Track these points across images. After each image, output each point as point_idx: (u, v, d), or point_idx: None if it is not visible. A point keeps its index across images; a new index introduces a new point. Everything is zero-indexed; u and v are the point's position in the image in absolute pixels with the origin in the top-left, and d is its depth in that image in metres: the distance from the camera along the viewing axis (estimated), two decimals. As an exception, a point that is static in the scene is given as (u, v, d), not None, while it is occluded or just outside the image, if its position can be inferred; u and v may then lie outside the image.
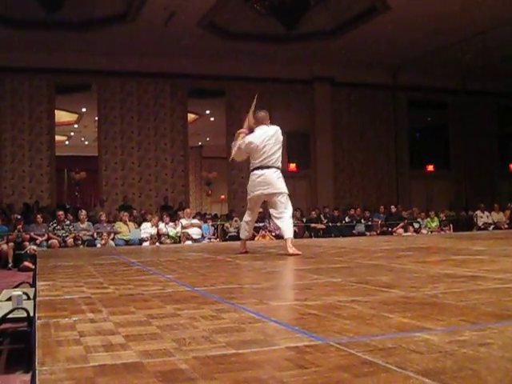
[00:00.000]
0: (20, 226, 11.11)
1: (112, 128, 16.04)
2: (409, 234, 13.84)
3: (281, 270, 4.05)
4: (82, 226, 11.74)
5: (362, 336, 1.53)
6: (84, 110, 19.67)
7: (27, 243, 10.75)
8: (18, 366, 3.10)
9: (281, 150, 5.42)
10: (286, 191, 5.35)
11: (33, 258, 8.17)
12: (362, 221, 14.79)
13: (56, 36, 13.71)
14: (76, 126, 21.91)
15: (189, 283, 2.94)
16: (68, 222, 11.66)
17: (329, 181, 17.52)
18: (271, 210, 5.42)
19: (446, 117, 19.42)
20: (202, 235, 12.69)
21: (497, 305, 2.01)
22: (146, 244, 11.61)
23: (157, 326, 1.74)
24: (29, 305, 3.28)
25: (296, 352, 1.38)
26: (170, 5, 12.65)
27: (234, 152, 5.56)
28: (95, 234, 11.78)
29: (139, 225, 12.50)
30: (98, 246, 11.26)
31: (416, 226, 14.83)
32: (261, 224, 12.39)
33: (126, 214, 12.43)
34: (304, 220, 14.64)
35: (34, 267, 5.94)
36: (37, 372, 1.27)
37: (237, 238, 9.23)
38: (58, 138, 17.29)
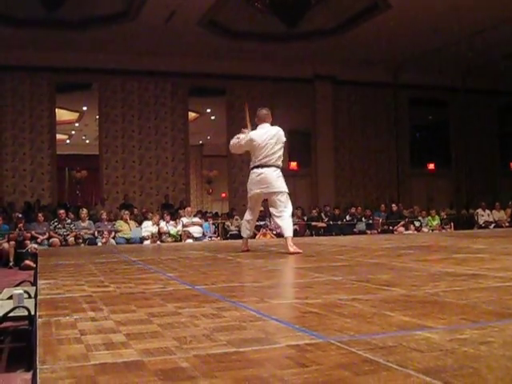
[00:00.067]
0: (21, 225, 11.11)
1: (113, 127, 16.04)
2: (410, 232, 13.84)
3: (282, 269, 4.05)
4: (82, 224, 11.74)
5: (363, 334, 1.53)
6: (85, 108, 19.67)
7: (28, 242, 10.76)
8: (19, 364, 3.10)
9: (282, 151, 5.42)
10: (286, 190, 5.34)
11: (34, 256, 8.17)
12: (363, 219, 14.78)
13: (56, 35, 13.71)
14: (77, 124, 21.92)
15: (190, 281, 2.94)
16: (69, 221, 11.67)
17: (330, 179, 17.52)
18: (271, 209, 5.44)
19: (446, 115, 19.43)
20: (203, 234, 12.68)
21: (497, 303, 2.01)
22: (146, 242, 11.61)
23: (158, 325, 1.74)
24: (30, 303, 3.28)
25: (297, 350, 1.38)
26: (171, 3, 12.64)
27: (232, 142, 5.62)
28: (96, 233, 11.78)
29: (140, 223, 12.50)
30: (99, 244, 11.25)
31: (417, 224, 14.81)
32: (262, 222, 12.38)
33: (126, 212, 12.43)
34: (305, 218, 14.65)
35: (35, 266, 5.94)
36: (38, 370, 1.27)
37: (238, 236, 9.24)
38: (58, 136, 17.29)
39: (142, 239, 11.87)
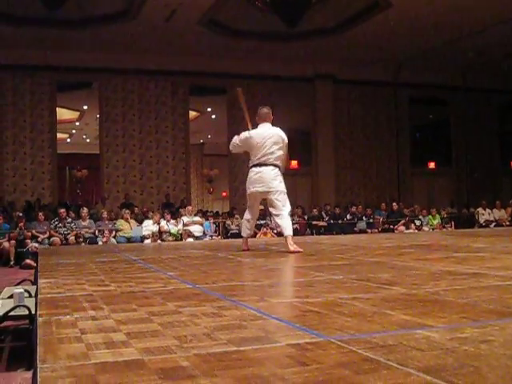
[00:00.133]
0: (22, 224, 11.11)
1: (113, 126, 16.04)
2: (410, 231, 13.84)
3: (282, 268, 4.05)
4: (83, 223, 11.75)
5: (363, 333, 1.53)
6: (85, 107, 19.67)
7: (29, 241, 10.76)
8: (20, 363, 3.10)
9: (281, 151, 5.41)
10: (283, 189, 5.34)
11: (34, 255, 8.17)
12: (364, 218, 14.78)
13: (57, 34, 13.70)
14: (77, 123, 21.92)
15: (190, 280, 2.94)
16: (69, 220, 11.67)
17: (330, 178, 17.51)
18: (270, 209, 5.46)
19: (447, 114, 19.42)
20: (204, 233, 12.68)
21: (498, 302, 2.00)
22: (147, 241, 11.61)
23: (158, 324, 1.74)
24: (30, 302, 3.28)
25: (297, 349, 1.38)
26: (171, 2, 12.62)
27: (233, 141, 5.63)
28: (97, 232, 11.79)
29: (141, 222, 12.50)
30: (100, 243, 11.26)
31: (417, 223, 14.81)
32: (262, 221, 12.39)
33: (127, 211, 12.43)
34: (305, 217, 14.65)
35: (35, 265, 5.95)
36: (38, 369, 1.27)
37: (238, 235, 9.24)
38: (59, 135, 17.29)
39: (143, 238, 11.88)
